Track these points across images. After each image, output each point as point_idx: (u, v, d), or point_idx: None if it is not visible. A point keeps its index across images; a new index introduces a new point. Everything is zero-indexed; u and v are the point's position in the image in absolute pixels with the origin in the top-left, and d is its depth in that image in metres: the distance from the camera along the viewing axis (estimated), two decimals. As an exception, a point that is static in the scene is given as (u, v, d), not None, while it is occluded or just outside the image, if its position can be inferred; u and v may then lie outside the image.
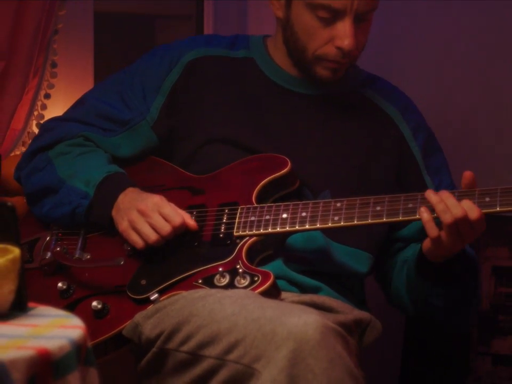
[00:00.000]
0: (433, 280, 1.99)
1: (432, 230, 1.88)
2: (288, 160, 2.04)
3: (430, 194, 1.88)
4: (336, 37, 2.06)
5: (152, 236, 1.97)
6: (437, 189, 2.10)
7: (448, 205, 1.85)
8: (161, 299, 1.93)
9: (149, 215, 1.97)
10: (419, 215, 1.88)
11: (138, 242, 1.98)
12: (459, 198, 1.87)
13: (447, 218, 1.85)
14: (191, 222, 1.99)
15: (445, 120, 2.56)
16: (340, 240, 2.06)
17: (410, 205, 1.91)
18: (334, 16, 2.05)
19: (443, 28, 2.70)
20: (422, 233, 1.99)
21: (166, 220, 1.97)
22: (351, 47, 2.06)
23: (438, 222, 1.88)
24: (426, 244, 1.92)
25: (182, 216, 1.98)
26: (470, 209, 1.85)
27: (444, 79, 2.70)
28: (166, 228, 1.96)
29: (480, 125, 2.67)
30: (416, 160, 2.16)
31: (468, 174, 1.89)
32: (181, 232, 1.98)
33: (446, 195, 1.87)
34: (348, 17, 2.05)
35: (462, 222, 1.85)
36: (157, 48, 2.26)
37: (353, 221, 1.93)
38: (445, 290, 1.99)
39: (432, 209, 1.87)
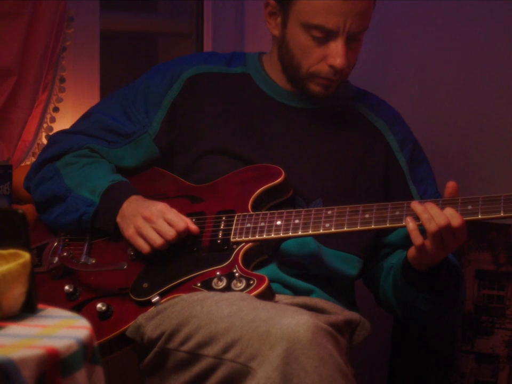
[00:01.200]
0: (419, 287, 1.99)
1: (417, 238, 1.88)
2: (282, 170, 2.05)
3: (415, 205, 1.88)
4: (329, 55, 2.06)
5: (158, 241, 1.97)
6: (422, 198, 2.12)
7: (432, 214, 1.86)
8: (162, 301, 1.93)
9: (154, 221, 1.98)
10: (405, 224, 1.89)
11: (144, 247, 1.98)
12: (442, 207, 1.87)
13: (431, 227, 1.85)
14: (193, 226, 1.99)
15: (431, 131, 2.55)
16: (331, 245, 2.06)
17: (397, 213, 1.91)
18: (327, 36, 2.05)
19: (429, 41, 2.69)
20: (407, 239, 1.98)
21: (170, 225, 1.97)
22: (343, 66, 2.06)
23: (422, 231, 1.88)
24: (411, 251, 1.92)
25: (185, 221, 1.99)
26: (453, 217, 1.85)
27: (431, 92, 2.69)
28: (170, 233, 1.97)
29: (465, 136, 2.66)
30: (402, 170, 2.15)
31: (451, 184, 1.90)
32: (182, 238, 1.98)
33: (430, 205, 1.87)
34: (341, 38, 2.05)
35: (445, 230, 1.85)
36: (159, 65, 2.26)
37: (343, 228, 1.93)
38: (430, 296, 1.99)
39: (417, 218, 1.87)
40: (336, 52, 2.06)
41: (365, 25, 2.08)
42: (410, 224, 1.88)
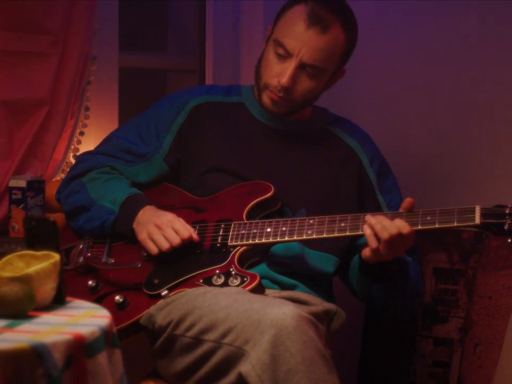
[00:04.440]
0: (371, 277, 1.99)
1: (373, 243, 1.88)
2: (272, 186, 2.04)
3: (369, 217, 1.88)
4: (280, 73, 2.04)
5: (165, 245, 1.97)
6: (388, 206, 2.11)
7: (384, 225, 1.86)
8: (170, 295, 1.93)
9: (164, 228, 1.97)
10: (363, 231, 1.88)
11: (153, 249, 1.98)
12: (392, 218, 1.87)
13: (384, 235, 1.86)
14: (195, 236, 1.98)
15: (396, 149, 2.54)
16: (313, 247, 2.05)
17: (368, 221, 1.91)
18: (286, 56, 2.03)
19: (396, 71, 2.67)
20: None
21: (177, 233, 1.97)
22: (285, 84, 2.02)
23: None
24: (366, 252, 1.91)
25: (189, 231, 1.98)
26: (403, 227, 1.85)
27: (396, 117, 2.68)
28: (176, 240, 1.96)
29: (424, 154, 2.65)
30: (371, 183, 2.15)
31: (408, 200, 1.90)
32: (186, 244, 1.98)
33: (381, 218, 1.87)
34: (294, 60, 2.02)
35: (396, 237, 1.85)
36: (167, 96, 2.25)
37: (323, 234, 1.94)
38: (381, 285, 1.99)
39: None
40: (284, 71, 2.03)
41: (319, 61, 2.03)
42: (367, 230, 1.87)
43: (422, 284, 2.14)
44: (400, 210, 1.91)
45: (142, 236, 2.00)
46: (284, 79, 2.03)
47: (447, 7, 2.54)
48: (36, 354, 1.28)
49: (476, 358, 2.44)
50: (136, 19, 2.86)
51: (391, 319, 2.46)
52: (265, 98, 2.09)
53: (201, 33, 2.91)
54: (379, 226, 1.86)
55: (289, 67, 2.03)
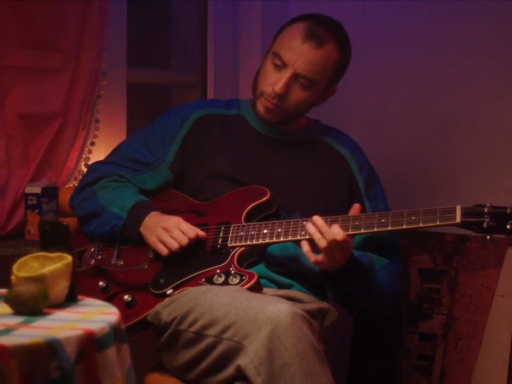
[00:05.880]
0: (331, 282, 1.98)
1: (311, 258, 1.87)
2: (268, 190, 2.04)
3: (309, 226, 1.87)
4: (275, 81, 2.04)
5: (175, 245, 1.96)
6: (374, 211, 2.07)
7: (323, 232, 1.84)
8: (174, 293, 1.93)
9: (171, 231, 1.97)
10: (300, 246, 1.87)
11: (163, 250, 1.97)
12: (331, 223, 1.85)
13: (321, 243, 1.85)
14: (201, 233, 1.98)
15: (382, 157, 2.53)
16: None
17: (357, 223, 1.89)
18: (282, 66, 2.04)
19: (382, 86, 2.68)
20: (361, 243, 2.00)
21: (184, 234, 1.96)
22: (279, 91, 2.03)
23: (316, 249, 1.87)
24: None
25: (195, 231, 1.98)
26: (338, 233, 1.84)
27: (383, 127, 2.69)
28: (184, 240, 1.96)
29: (409, 162, 2.65)
30: (360, 189, 2.14)
31: (356, 206, 1.90)
32: (191, 244, 1.97)
33: (320, 223, 1.85)
34: (288, 71, 2.03)
35: (333, 244, 1.84)
36: (172, 109, 2.25)
37: (315, 235, 1.93)
38: (342, 289, 1.98)
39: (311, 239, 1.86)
40: (279, 79, 2.03)
41: (312, 73, 2.03)
42: (304, 247, 1.87)
43: (399, 283, 2.11)
44: (349, 214, 1.90)
45: (152, 239, 1.99)
46: (278, 87, 2.03)
47: (431, 23, 2.54)
48: (50, 348, 1.29)
49: (457, 351, 2.43)
50: (143, 38, 2.86)
51: (366, 318, 2.44)
52: (260, 106, 2.09)
53: (203, 51, 2.92)
54: (317, 236, 1.85)
55: (284, 76, 2.03)
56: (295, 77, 2.04)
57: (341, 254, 1.87)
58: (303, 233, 1.92)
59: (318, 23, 2.05)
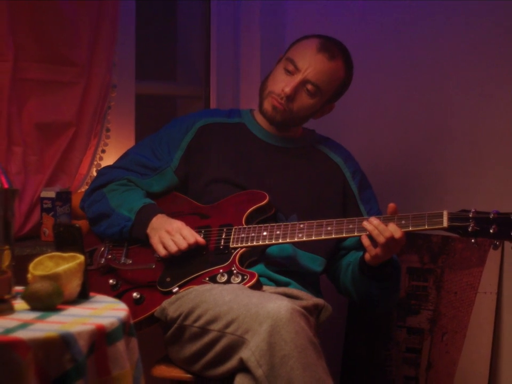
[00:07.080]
0: (372, 277, 1.98)
1: (372, 251, 1.88)
2: (267, 194, 2.04)
3: (366, 224, 1.87)
4: (286, 84, 2.06)
5: (174, 248, 1.95)
6: (368, 214, 2.09)
7: (380, 230, 1.85)
8: (180, 291, 1.92)
9: (173, 234, 1.96)
10: (362, 241, 1.88)
11: (162, 251, 1.97)
12: (385, 222, 1.87)
13: (380, 240, 1.85)
14: (201, 240, 1.97)
15: (373, 165, 2.54)
16: (303, 248, 2.04)
17: (350, 226, 1.91)
18: (294, 71, 2.06)
19: (373, 96, 2.66)
20: (358, 244, 1.99)
21: (184, 238, 1.96)
22: (288, 92, 2.04)
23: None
24: (367, 256, 1.91)
25: (195, 237, 1.96)
26: (395, 231, 1.85)
27: (374, 136, 2.68)
28: (183, 244, 1.95)
29: (399, 169, 2.65)
30: (354, 194, 2.15)
31: (392, 205, 1.90)
32: (193, 247, 1.96)
33: (377, 222, 1.86)
34: (299, 76, 2.05)
35: (391, 241, 1.85)
36: (177, 118, 2.25)
37: (312, 237, 1.93)
38: (380, 283, 1.98)
39: (369, 235, 1.87)
40: (290, 82, 2.05)
41: (320, 82, 2.06)
42: (365, 241, 1.88)
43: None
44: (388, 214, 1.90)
45: (154, 240, 1.99)
46: (288, 88, 2.05)
47: (419, 34, 2.53)
48: (64, 342, 1.28)
49: (443, 345, 2.43)
50: (151, 53, 2.86)
51: (381, 311, 2.45)
52: (267, 105, 2.10)
53: (206, 65, 2.91)
54: (376, 232, 1.85)
55: (295, 80, 2.05)
56: (304, 82, 2.06)
57: (399, 248, 1.88)
58: (300, 235, 1.92)
59: (331, 41, 2.11)
